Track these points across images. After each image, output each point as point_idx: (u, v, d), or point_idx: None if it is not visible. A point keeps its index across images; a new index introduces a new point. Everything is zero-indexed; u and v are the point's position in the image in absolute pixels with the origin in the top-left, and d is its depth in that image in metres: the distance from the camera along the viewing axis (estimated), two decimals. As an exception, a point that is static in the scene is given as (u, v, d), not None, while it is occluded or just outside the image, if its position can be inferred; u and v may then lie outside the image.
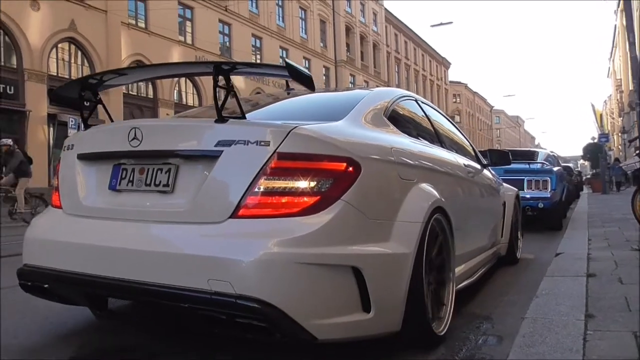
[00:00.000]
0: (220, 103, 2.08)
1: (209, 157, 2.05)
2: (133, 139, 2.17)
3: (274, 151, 2.00)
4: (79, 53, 20.82)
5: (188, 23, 26.35)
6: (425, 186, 2.61)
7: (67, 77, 19.74)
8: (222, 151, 2.04)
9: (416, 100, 3.43)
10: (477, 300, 3.42)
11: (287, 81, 3.47)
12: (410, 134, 2.91)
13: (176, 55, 24.74)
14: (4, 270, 4.12)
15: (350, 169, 2.11)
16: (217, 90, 2.06)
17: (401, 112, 3.07)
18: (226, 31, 28.82)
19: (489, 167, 4.46)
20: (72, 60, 20.72)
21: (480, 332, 2.70)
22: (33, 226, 2.41)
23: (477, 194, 3.79)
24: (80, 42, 20.57)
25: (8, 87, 17.86)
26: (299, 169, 2.01)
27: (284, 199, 1.99)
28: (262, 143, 2.01)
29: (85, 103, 2.37)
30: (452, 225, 2.80)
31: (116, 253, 2.06)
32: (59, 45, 19.91)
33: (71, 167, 2.39)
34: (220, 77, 2.07)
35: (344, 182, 2.07)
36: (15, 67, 18.32)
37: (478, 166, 4.09)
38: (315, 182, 2.01)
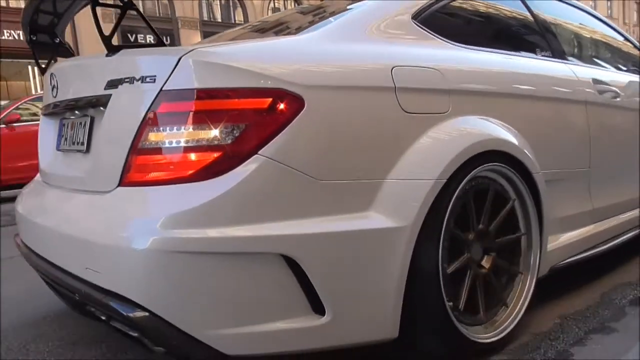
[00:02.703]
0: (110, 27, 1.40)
1: (105, 104, 1.43)
2: (53, 87, 1.66)
3: (160, 89, 1.27)
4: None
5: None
6: (468, 120, 1.56)
7: (219, 21, 18.87)
8: (110, 95, 1.40)
9: None
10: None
11: None
12: (473, 43, 1.80)
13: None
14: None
15: (281, 106, 1.26)
16: (95, 10, 1.38)
17: (462, 13, 1.94)
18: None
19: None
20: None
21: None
22: (20, 193, 2.12)
23: (623, 123, 2.34)
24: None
25: (165, 38, 17.50)
26: (194, 112, 1.24)
27: (173, 159, 1.26)
28: (148, 79, 1.29)
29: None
30: (534, 178, 1.69)
31: (38, 227, 1.60)
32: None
33: (40, 124, 1.98)
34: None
35: (265, 127, 1.24)
36: (169, 16, 17.67)
37: None
38: (217, 131, 1.23)
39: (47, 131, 1.90)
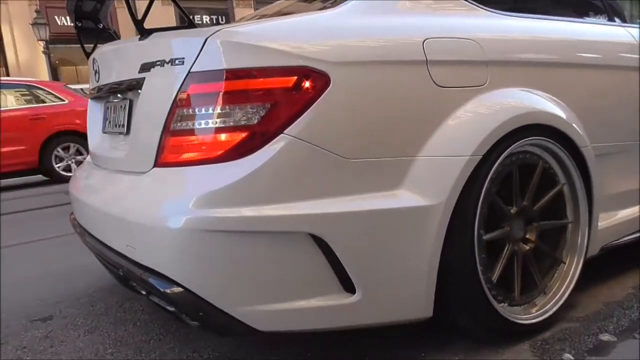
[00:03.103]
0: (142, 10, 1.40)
1: (140, 87, 1.45)
2: (95, 72, 1.71)
3: (188, 71, 1.28)
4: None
5: None
6: (508, 92, 1.46)
7: None
8: (144, 78, 1.42)
9: None
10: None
11: None
12: (516, 10, 1.68)
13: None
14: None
15: (306, 84, 1.24)
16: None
17: None
18: None
19: None
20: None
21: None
22: (73, 174, 2.19)
23: None
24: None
25: (220, 17, 17.05)
26: (221, 92, 1.24)
27: (204, 139, 1.27)
28: (177, 62, 1.30)
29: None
30: (583, 153, 1.58)
31: (86, 206, 1.67)
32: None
33: (88, 107, 2.05)
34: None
35: (290, 106, 1.23)
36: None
37: None
38: (244, 111, 1.23)
39: (94, 114, 1.97)
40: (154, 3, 1.36)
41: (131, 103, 1.57)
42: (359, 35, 1.36)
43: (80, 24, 1.90)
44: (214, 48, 1.25)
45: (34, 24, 12.97)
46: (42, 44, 13.28)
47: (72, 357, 1.68)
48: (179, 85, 1.29)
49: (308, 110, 1.23)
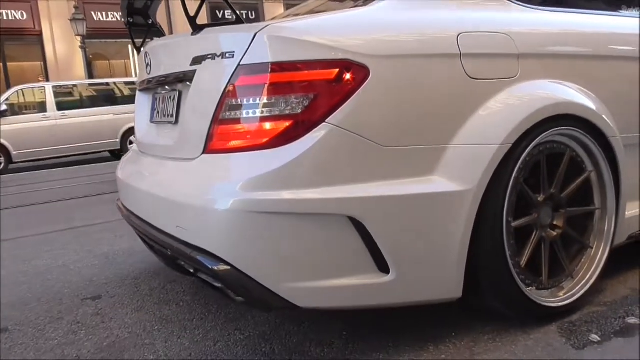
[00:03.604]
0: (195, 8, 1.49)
1: (191, 79, 1.55)
2: (147, 65, 1.81)
3: (238, 64, 1.37)
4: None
5: None
6: (538, 84, 1.51)
7: None
8: (195, 71, 1.51)
9: None
10: None
11: None
12: (548, 4, 1.71)
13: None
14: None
15: (347, 76, 1.31)
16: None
17: None
18: None
19: None
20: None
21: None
22: (120, 161, 2.33)
23: None
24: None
25: (250, 12, 17.25)
26: (268, 84, 1.33)
27: (251, 128, 1.36)
28: (228, 55, 1.40)
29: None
30: (611, 143, 1.61)
31: (136, 192, 1.79)
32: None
33: (136, 99, 2.17)
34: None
35: (332, 97, 1.30)
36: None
37: None
38: (288, 101, 1.31)
39: (142, 105, 2.09)
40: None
41: (180, 94, 1.67)
42: (396, 29, 1.42)
43: (131, 20, 2.01)
44: (262, 42, 1.33)
45: (73, 20, 13.34)
46: (79, 39, 13.65)
47: (123, 332, 1.80)
48: (228, 77, 1.38)
49: (348, 101, 1.30)
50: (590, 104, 1.59)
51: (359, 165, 1.32)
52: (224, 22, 1.52)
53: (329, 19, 1.45)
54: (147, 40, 2.06)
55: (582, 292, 1.59)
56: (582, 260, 1.65)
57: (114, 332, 1.80)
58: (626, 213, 1.73)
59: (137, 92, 2.15)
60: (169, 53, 1.76)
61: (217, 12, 16.39)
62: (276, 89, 1.33)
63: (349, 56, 1.32)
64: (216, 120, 1.42)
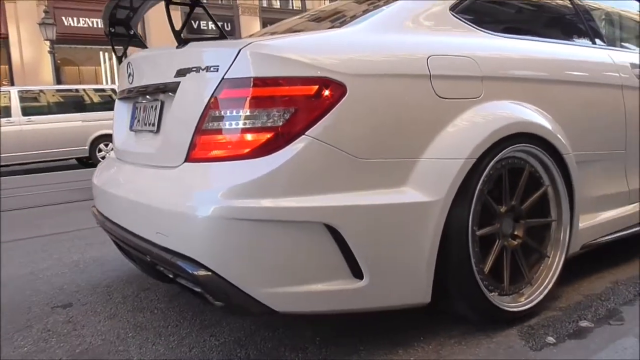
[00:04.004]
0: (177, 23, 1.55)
1: (174, 90, 1.60)
2: (129, 75, 1.85)
3: (222, 78, 1.43)
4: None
5: None
6: (499, 104, 1.63)
7: (277, 7, 19.02)
8: (179, 82, 1.56)
9: None
10: None
11: None
12: (508, 32, 1.85)
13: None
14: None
15: (326, 92, 1.39)
16: (169, 7, 1.54)
17: (498, 2, 1.98)
18: None
19: None
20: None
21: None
22: (97, 168, 2.33)
23: None
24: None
25: (226, 24, 17.19)
26: (252, 98, 1.39)
27: (232, 138, 1.41)
28: (212, 69, 1.45)
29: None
30: (565, 159, 1.74)
31: (115, 198, 1.81)
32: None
33: (115, 107, 2.20)
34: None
35: (312, 111, 1.38)
36: (230, 3, 17.77)
37: None
38: (270, 114, 1.38)
39: (121, 113, 2.12)
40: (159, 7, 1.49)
41: (162, 104, 1.71)
42: (372, 50, 1.52)
43: (113, 30, 2.04)
44: (246, 58, 1.40)
45: (42, 24, 13.09)
46: (47, 43, 13.39)
47: (96, 340, 1.79)
48: (212, 90, 1.43)
49: (327, 115, 1.38)
50: (546, 123, 1.72)
51: (336, 175, 1.40)
52: (207, 37, 1.58)
53: (309, 38, 1.53)
54: (127, 50, 2.10)
55: (540, 297, 1.70)
56: (540, 267, 1.76)
57: (86, 340, 1.79)
58: (580, 225, 1.85)
59: (117, 101, 2.17)
60: (153, 64, 1.80)
61: (193, 22, 16.42)
62: (258, 102, 1.39)
63: (327, 74, 1.39)
64: (199, 130, 1.47)
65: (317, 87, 1.39)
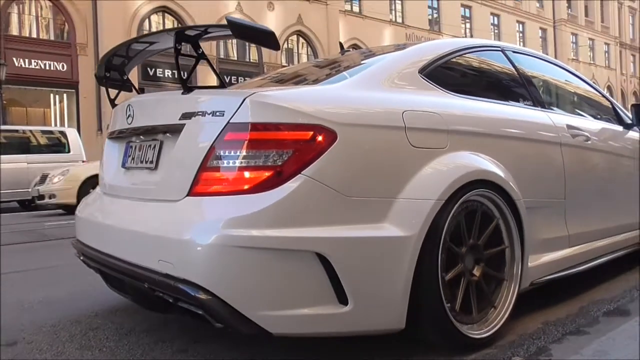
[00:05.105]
0: (186, 72, 1.74)
1: (178, 131, 1.76)
2: (128, 116, 2.00)
3: (227, 122, 1.61)
4: (304, 43, 22.02)
5: (398, 2, 25.71)
6: (462, 155, 1.89)
7: (234, 59, 20.03)
8: (184, 124, 1.73)
9: (503, 51, 2.54)
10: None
11: (340, 43, 2.92)
12: (467, 93, 2.16)
13: (388, 34, 24.50)
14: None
15: (319, 138, 1.60)
16: (178, 59, 1.74)
17: (459, 68, 2.31)
18: (435, 5, 27.42)
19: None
20: (299, 50, 22.01)
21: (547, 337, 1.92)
22: (81, 203, 2.42)
23: (595, 162, 2.69)
24: (305, 33, 21.72)
25: (183, 73, 17.91)
26: (253, 140, 1.58)
27: (236, 175, 1.59)
28: (218, 114, 1.64)
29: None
30: (516, 204, 2.01)
31: (108, 230, 1.92)
32: (289, 38, 21.30)
33: (105, 146, 2.33)
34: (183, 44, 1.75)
35: (307, 153, 1.58)
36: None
37: (613, 127, 2.94)
38: (270, 155, 1.57)
39: (112, 152, 2.24)
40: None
41: (162, 144, 1.86)
42: (357, 104, 1.77)
43: (108, 75, 2.19)
44: (251, 105, 1.59)
45: (-8, 64, 12.81)
46: (-5, 83, 13.08)
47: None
48: (218, 132, 1.61)
49: (320, 158, 1.58)
50: (500, 172, 1.99)
51: (327, 210, 1.59)
52: (211, 86, 1.77)
53: (306, 90, 1.76)
54: (118, 94, 2.24)
55: (500, 324, 1.91)
56: (500, 294, 1.98)
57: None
58: (529, 263, 2.11)
59: (107, 140, 2.29)
60: (156, 107, 1.96)
61: (149, 69, 16.64)
62: (260, 144, 1.58)
63: (321, 122, 1.61)
64: (203, 167, 1.63)
65: (312, 132, 1.59)
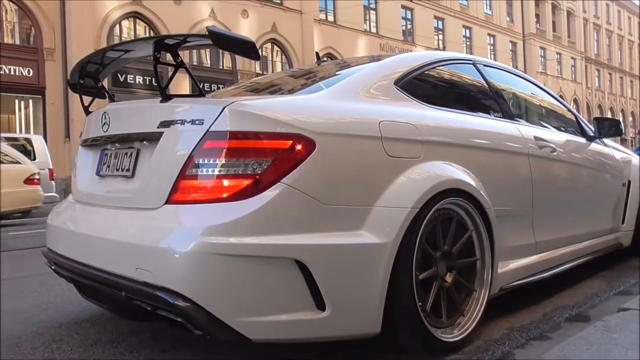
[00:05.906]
0: (164, 80, 1.76)
1: (155, 139, 1.78)
2: (104, 124, 2.01)
3: (206, 130, 1.64)
4: (279, 51, 22.12)
5: (372, 12, 26.10)
6: (436, 164, 1.97)
7: (208, 65, 19.92)
8: (162, 132, 1.75)
9: (474, 64, 2.64)
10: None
11: (317, 53, 2.99)
12: (440, 104, 2.24)
13: (362, 44, 24.82)
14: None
15: (299, 147, 1.65)
16: (157, 67, 1.76)
17: (432, 80, 2.40)
18: (409, 16, 27.93)
19: (603, 140, 3.32)
20: (274, 58, 22.08)
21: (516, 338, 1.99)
22: (52, 212, 2.39)
23: (560, 173, 2.81)
24: (280, 41, 21.82)
25: (151, 80, 17.03)
26: (233, 149, 1.61)
27: (215, 183, 1.61)
28: (197, 122, 1.66)
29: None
30: (487, 212, 2.09)
31: (82, 239, 1.92)
32: (263, 46, 21.35)
33: (78, 154, 2.32)
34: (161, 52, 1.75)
35: (287, 162, 1.62)
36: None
37: (577, 139, 3.09)
38: (249, 164, 1.60)
39: (85, 160, 2.23)
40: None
41: (138, 151, 1.87)
42: (335, 113, 1.82)
43: (82, 82, 2.19)
44: (230, 114, 1.63)
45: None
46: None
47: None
48: (197, 140, 1.64)
49: (299, 166, 1.62)
50: (472, 182, 2.07)
51: (305, 218, 1.63)
52: (190, 95, 1.80)
53: (285, 100, 1.81)
54: (92, 101, 2.24)
55: (470, 329, 1.98)
56: (470, 301, 2.06)
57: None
58: (498, 270, 2.19)
59: (80, 148, 2.29)
60: (134, 115, 1.97)
61: (119, 75, 16.41)
62: (239, 152, 1.61)
63: (300, 131, 1.66)
64: (182, 176, 1.65)
65: (291, 141, 1.64)
